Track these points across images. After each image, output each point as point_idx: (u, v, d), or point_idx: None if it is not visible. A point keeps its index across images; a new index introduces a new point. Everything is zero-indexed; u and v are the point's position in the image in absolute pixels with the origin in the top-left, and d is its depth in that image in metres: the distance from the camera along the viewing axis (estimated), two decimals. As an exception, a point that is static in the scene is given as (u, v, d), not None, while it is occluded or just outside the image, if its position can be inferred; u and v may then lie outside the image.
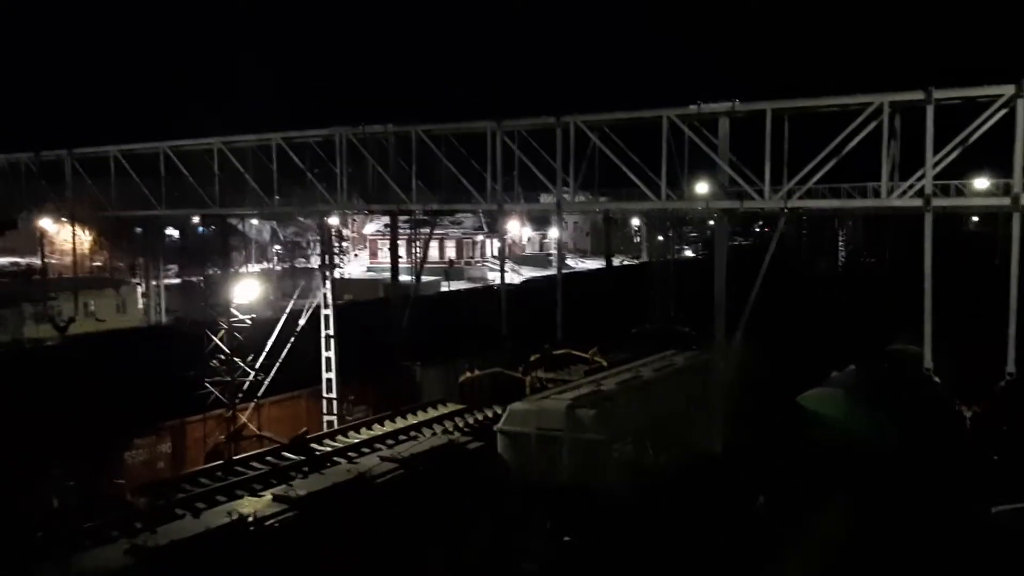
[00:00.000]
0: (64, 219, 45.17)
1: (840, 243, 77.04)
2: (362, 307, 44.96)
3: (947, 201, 24.40)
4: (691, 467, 24.90)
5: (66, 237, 51.89)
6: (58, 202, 37.33)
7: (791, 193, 24.23)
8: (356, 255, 79.13)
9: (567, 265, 72.29)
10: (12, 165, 35.94)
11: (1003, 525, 21.51)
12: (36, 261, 51.11)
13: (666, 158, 25.66)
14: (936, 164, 22.31)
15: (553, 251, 77.21)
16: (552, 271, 68.00)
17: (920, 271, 23.55)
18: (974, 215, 71.03)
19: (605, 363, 34.01)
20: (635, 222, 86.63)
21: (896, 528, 21.09)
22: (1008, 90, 21.06)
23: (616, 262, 70.79)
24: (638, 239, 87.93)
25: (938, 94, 21.71)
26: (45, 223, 48.63)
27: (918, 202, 22.64)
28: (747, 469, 24.96)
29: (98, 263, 55.88)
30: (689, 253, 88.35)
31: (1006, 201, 22.25)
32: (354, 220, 74.94)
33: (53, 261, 53.70)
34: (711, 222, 33.67)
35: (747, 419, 28.84)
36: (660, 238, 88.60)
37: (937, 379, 22.90)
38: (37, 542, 18.90)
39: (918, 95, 21.94)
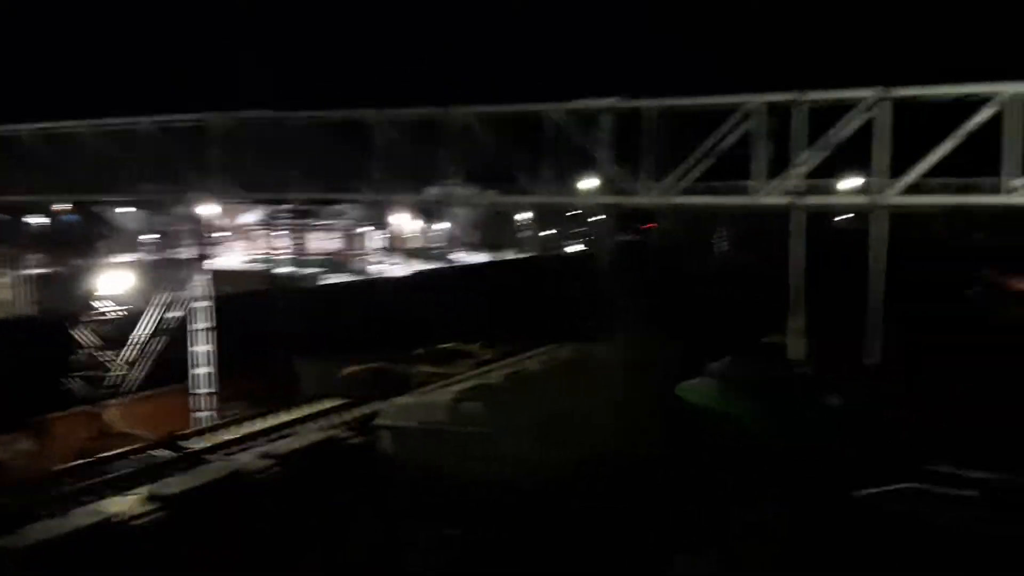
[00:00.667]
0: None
1: (718, 240, 79.56)
2: (239, 299, 43.64)
3: (815, 199, 25.41)
4: (577, 459, 25.19)
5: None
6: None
7: (671, 190, 24.79)
8: (233, 245, 76.76)
9: (454, 258, 72.12)
10: None
11: (868, 508, 22.62)
12: None
13: (551, 153, 25.84)
14: (805, 163, 23.24)
15: (441, 244, 76.89)
16: (439, 263, 67.77)
17: (791, 266, 24.51)
18: (842, 213, 74.51)
19: (491, 357, 34.06)
20: (522, 216, 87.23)
21: (765, 513, 21.88)
22: (873, 93, 22.13)
23: (504, 256, 71.07)
24: (526, 233, 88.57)
25: (808, 96, 22.62)
26: None
27: (787, 200, 23.53)
28: (630, 459, 25.43)
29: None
30: (576, 247, 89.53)
31: (868, 200, 23.39)
32: (230, 209, 72.67)
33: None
34: (597, 217, 34.19)
35: (630, 410, 29.40)
36: (548, 232, 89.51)
37: (806, 369, 23.88)
38: None
39: (789, 97, 22.80)
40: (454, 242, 78.04)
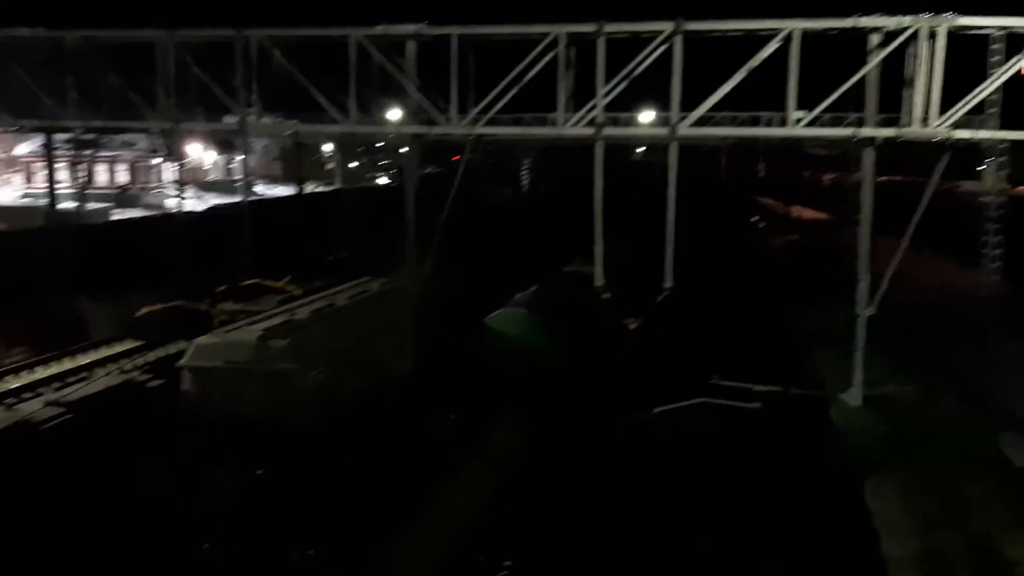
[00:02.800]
0: None
1: (523, 171, 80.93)
2: (17, 237, 40.07)
3: (615, 131, 26.22)
4: (385, 391, 25.24)
5: None
6: None
7: (477, 121, 24.80)
8: (8, 179, 70.20)
9: (255, 192, 69.34)
10: None
11: (660, 424, 24.19)
12: None
13: (355, 81, 25.11)
14: (606, 95, 23.88)
15: (240, 177, 73.58)
16: (239, 198, 64.94)
17: (593, 197, 25.30)
18: (640, 145, 77.63)
19: (299, 292, 33.23)
20: (328, 148, 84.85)
21: (567, 434, 22.91)
22: (668, 27, 22.96)
23: (308, 189, 69.02)
24: (330, 165, 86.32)
25: (608, 28, 23.15)
26: None
27: (590, 131, 24.17)
28: (437, 390, 25.77)
29: None
30: (382, 180, 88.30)
31: (665, 131, 24.43)
32: (2, 139, 66.20)
33: None
34: (404, 150, 33.77)
35: (438, 342, 29.72)
36: (352, 164, 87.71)
37: (607, 295, 24.95)
38: None
39: (591, 28, 23.24)
40: (254, 175, 74.93)
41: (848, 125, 23.90)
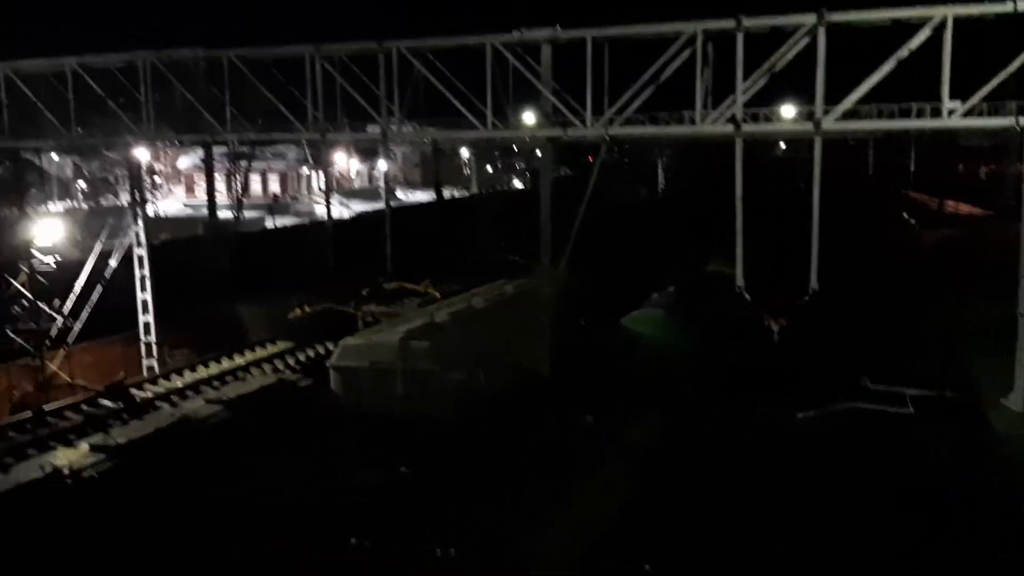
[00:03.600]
0: None
1: (659, 170, 80.00)
2: (180, 246, 42.81)
3: (756, 127, 25.56)
4: (523, 391, 25.52)
5: None
6: None
7: (612, 121, 24.72)
8: (171, 191, 75.01)
9: (396, 198, 71.48)
10: None
11: (805, 430, 23.38)
12: None
13: (491, 86, 25.50)
14: (745, 92, 23.33)
15: (382, 183, 76.05)
16: (382, 204, 67.11)
17: (733, 195, 24.75)
18: (781, 141, 75.31)
19: (438, 295, 34.07)
20: (464, 153, 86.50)
21: (707, 437, 22.48)
22: (810, 19, 22.20)
23: (446, 194, 70.61)
24: (468, 170, 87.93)
25: (747, 23, 22.59)
26: None
27: (729, 129, 23.65)
28: (574, 390, 25.83)
29: None
30: (518, 184, 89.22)
31: (809, 127, 23.63)
32: (167, 153, 70.72)
33: None
34: (538, 153, 34.00)
35: (575, 343, 29.80)
36: (490, 169, 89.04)
37: (747, 296, 24.34)
38: None
39: (729, 23, 22.74)
40: (395, 181, 77.23)
41: (1007, 114, 22.45)
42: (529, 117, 29.42)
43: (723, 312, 30.53)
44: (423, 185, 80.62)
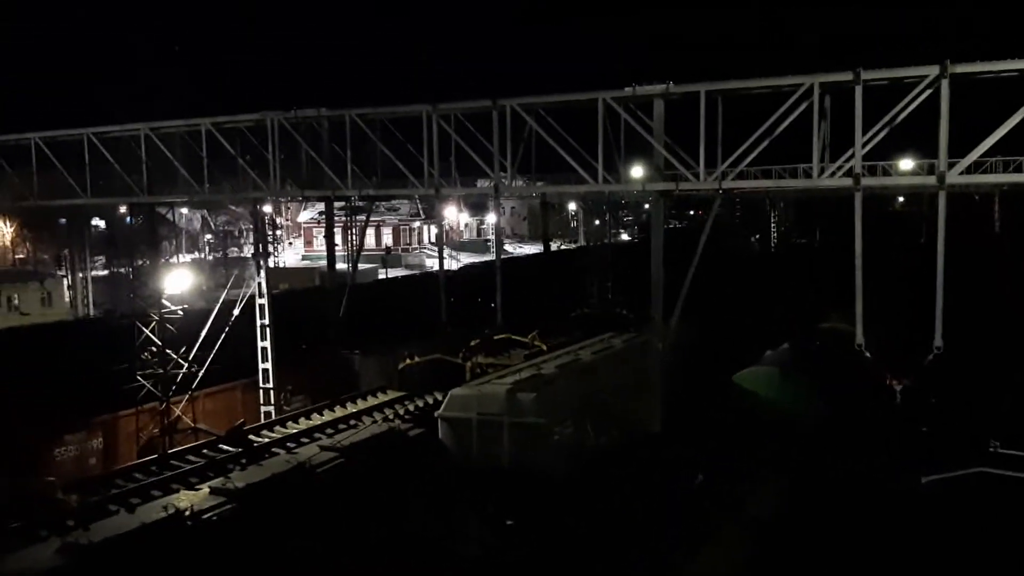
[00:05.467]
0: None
1: (772, 224, 78.44)
2: (298, 296, 44.34)
3: (875, 181, 24.89)
4: (631, 447, 25.16)
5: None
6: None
7: (725, 175, 24.49)
8: (291, 243, 77.90)
9: (505, 251, 72.29)
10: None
11: (932, 494, 22.20)
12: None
13: (602, 141, 25.67)
14: (865, 144, 22.76)
15: (491, 236, 77.08)
16: (490, 256, 67.94)
17: (850, 250, 24.03)
18: (901, 195, 72.90)
19: (545, 347, 34.13)
20: (572, 206, 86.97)
21: (829, 499, 21.60)
22: (932, 71, 21.57)
23: (553, 247, 71.02)
24: (575, 223, 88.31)
25: (866, 75, 22.11)
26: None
27: (848, 182, 23.06)
28: (686, 448, 25.31)
29: (21, 255, 54.04)
30: (625, 237, 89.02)
31: (931, 180, 22.83)
32: (288, 207, 73.64)
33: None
34: (647, 205, 33.88)
35: (685, 399, 29.25)
36: (597, 222, 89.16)
37: (868, 355, 23.46)
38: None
39: (847, 76, 22.32)
40: (504, 234, 78.22)
41: None
42: (638, 170, 29.42)
43: (842, 371, 29.49)
44: (531, 238, 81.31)
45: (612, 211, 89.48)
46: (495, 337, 35.51)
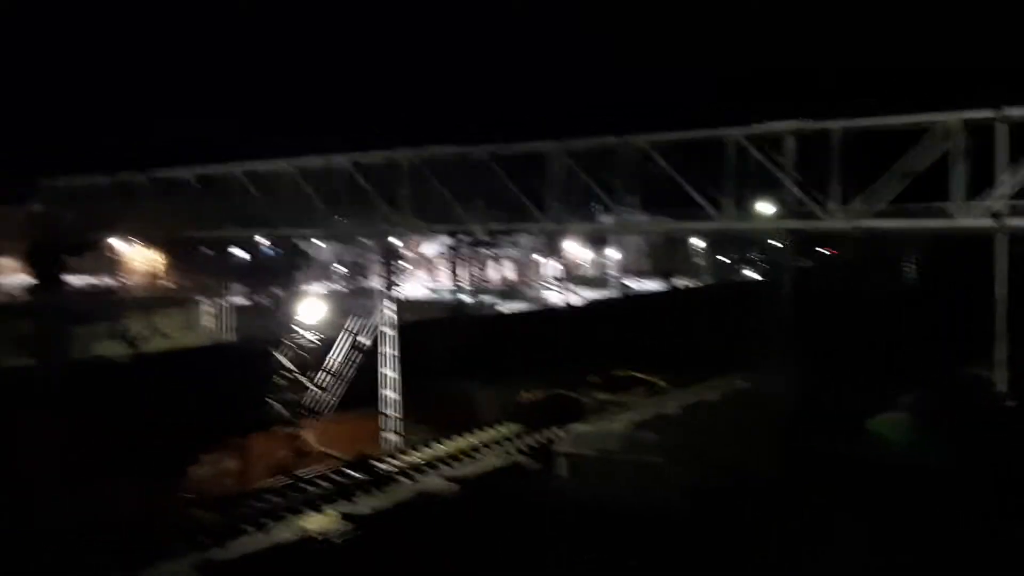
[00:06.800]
0: (136, 240, 46.48)
1: (907, 264, 75.28)
2: (421, 327, 45.28)
3: (1020, 221, 23.61)
4: (753, 491, 24.49)
5: (138, 257, 53.42)
6: (132, 223, 38.57)
7: (860, 213, 23.79)
8: (415, 275, 79.65)
9: (626, 286, 71.89)
10: (90, 187, 37.19)
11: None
12: (110, 281, 52.74)
13: (730, 178, 25.39)
14: (1008, 183, 21.73)
15: (611, 271, 76.82)
16: (611, 291, 67.77)
17: (990, 292, 22.92)
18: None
19: (667, 385, 33.76)
20: (695, 242, 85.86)
21: (970, 559, 20.45)
22: (1087, 107, 20.50)
23: (676, 283, 70.18)
24: (699, 259, 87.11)
25: (1009, 111, 21.19)
26: (119, 244, 50.13)
27: (989, 222, 22.04)
28: (809, 495, 24.44)
29: (168, 283, 57.28)
30: (750, 274, 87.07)
31: (1086, 220, 21.58)
32: (414, 240, 75.47)
33: (125, 281, 55.28)
34: (773, 243, 33.20)
35: (810, 444, 28.30)
36: (721, 259, 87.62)
37: (1011, 403, 22.21)
38: (104, 556, 19.33)
39: (989, 114, 21.43)
40: (626, 270, 77.72)
41: None
42: (766, 206, 28.89)
43: (983, 419, 27.95)
44: (653, 274, 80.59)
45: (737, 248, 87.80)
46: (616, 374, 35.35)
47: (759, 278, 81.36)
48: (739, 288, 55.38)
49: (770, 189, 26.53)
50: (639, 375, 35.40)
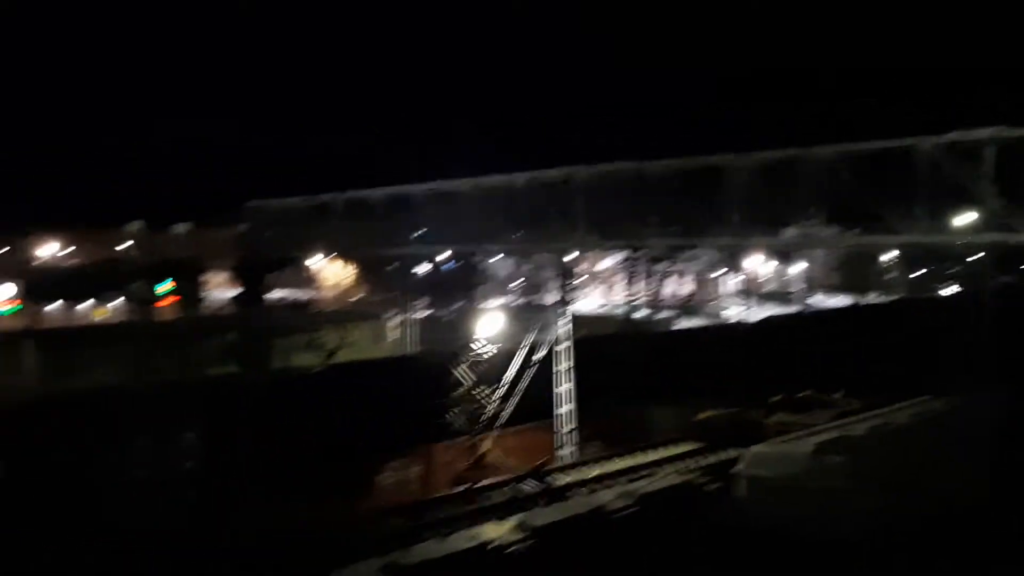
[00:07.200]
0: (330, 257, 49.37)
1: None
2: (596, 343, 45.36)
3: None
4: (955, 521, 22.96)
5: (330, 273, 56.72)
6: (325, 241, 41.05)
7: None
8: (590, 291, 79.94)
9: (811, 302, 69.21)
10: (288, 208, 39.92)
11: None
12: (304, 295, 56.33)
13: (922, 189, 24.08)
14: None
15: (795, 287, 74.20)
16: (794, 307, 65.38)
17: None
18: None
19: (854, 407, 32.23)
20: (887, 256, 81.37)
21: None
22: None
23: (866, 299, 66.80)
24: (891, 274, 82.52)
25: None
26: (314, 260, 53.43)
27: None
28: (1018, 525, 22.65)
29: (357, 297, 60.37)
30: (950, 290, 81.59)
31: None
32: (589, 256, 75.77)
33: (319, 295, 58.86)
34: (969, 258, 31.08)
35: (1017, 470, 26.23)
36: (915, 274, 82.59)
37: None
38: (297, 555, 20.62)
39: None
40: (811, 285, 74.84)
41: None
42: (963, 219, 27.15)
43: None
44: (841, 289, 77.08)
45: (932, 263, 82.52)
46: (798, 394, 34.14)
47: (955, 294, 76.19)
48: (934, 304, 51.92)
49: (966, 200, 24.99)
50: (823, 396, 33.99)
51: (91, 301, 56.17)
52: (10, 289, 54.30)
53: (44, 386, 38.16)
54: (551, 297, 35.61)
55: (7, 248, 57.40)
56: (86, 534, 22.36)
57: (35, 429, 26.02)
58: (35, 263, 58.76)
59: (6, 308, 53.84)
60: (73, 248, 60.77)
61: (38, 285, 54.58)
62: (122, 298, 55.72)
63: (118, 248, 62.01)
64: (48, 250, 60.04)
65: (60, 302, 55.89)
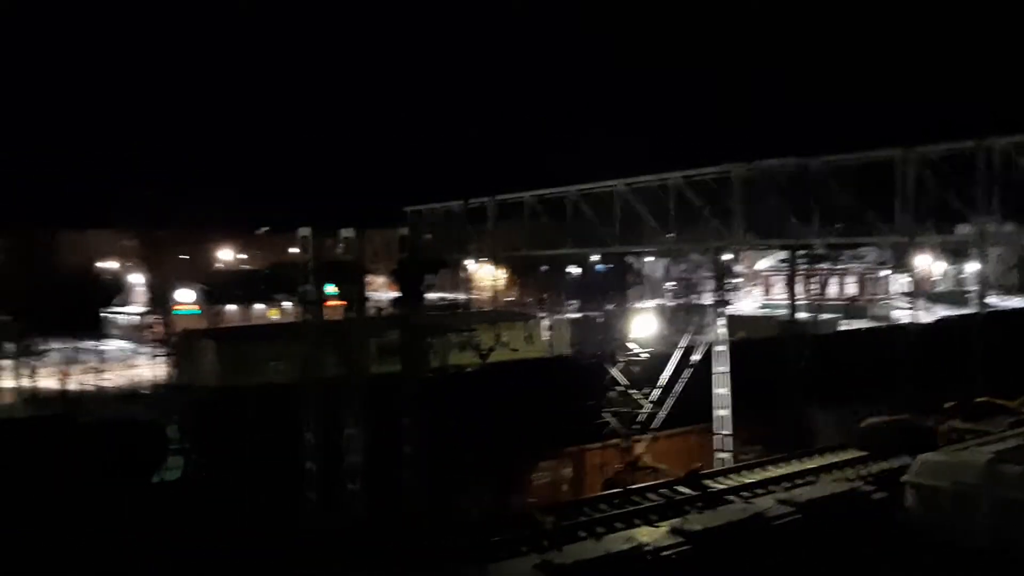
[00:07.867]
0: (483, 258, 50.43)
1: None
2: (755, 344, 44.25)
3: None
4: None
5: (484, 274, 57.95)
6: (479, 243, 41.95)
7: None
8: (749, 291, 77.99)
9: (988, 303, 64.91)
10: (446, 211, 41.03)
11: None
12: (460, 296, 57.77)
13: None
14: None
15: (970, 287, 69.78)
16: (969, 309, 61.48)
17: None
18: None
19: (1037, 414, 30.05)
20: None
21: None
22: None
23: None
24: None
25: None
26: (467, 262, 54.75)
27: None
28: None
29: (510, 298, 61.37)
30: None
31: None
32: (746, 255, 73.97)
33: (473, 296, 60.22)
34: None
35: None
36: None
37: None
38: (456, 550, 21.18)
39: None
40: (989, 284, 70.27)
41: None
42: None
43: None
44: (1018, 289, 71.95)
45: None
46: (974, 400, 32.14)
47: None
48: None
49: None
50: (1002, 402, 31.82)
51: (265, 302, 59.75)
52: (191, 294, 58.49)
53: (223, 381, 40.87)
54: (707, 298, 34.95)
55: (191, 254, 61.91)
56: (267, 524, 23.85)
57: (218, 423, 27.94)
58: (215, 267, 63.13)
59: (188, 310, 58.05)
60: (248, 254, 64.92)
61: (217, 287, 58.53)
62: (293, 299, 58.91)
63: (289, 251, 65.64)
64: (225, 255, 64.36)
65: (237, 303, 59.77)
